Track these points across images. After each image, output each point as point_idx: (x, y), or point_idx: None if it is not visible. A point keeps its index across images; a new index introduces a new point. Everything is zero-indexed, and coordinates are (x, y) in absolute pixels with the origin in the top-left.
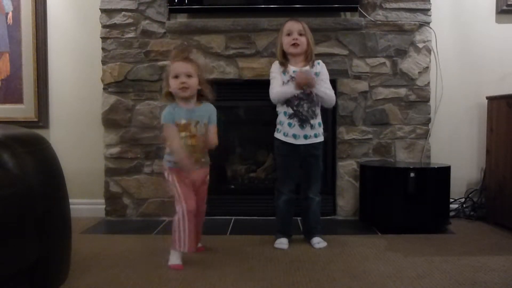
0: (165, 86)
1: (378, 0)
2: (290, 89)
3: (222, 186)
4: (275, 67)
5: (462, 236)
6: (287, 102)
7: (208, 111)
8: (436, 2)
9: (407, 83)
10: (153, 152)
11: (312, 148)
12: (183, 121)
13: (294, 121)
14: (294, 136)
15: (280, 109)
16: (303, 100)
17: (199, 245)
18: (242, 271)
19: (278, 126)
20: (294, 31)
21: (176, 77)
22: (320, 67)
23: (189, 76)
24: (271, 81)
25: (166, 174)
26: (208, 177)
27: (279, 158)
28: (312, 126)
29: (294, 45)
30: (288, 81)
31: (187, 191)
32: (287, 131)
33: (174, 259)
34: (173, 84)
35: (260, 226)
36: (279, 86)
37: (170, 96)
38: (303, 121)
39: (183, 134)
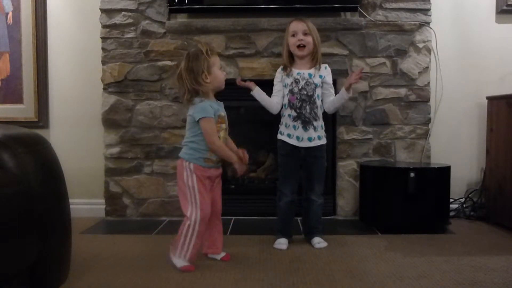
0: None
1: (378, 0)
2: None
3: (222, 186)
4: (277, 74)
5: (462, 236)
6: (291, 104)
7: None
8: (436, 2)
9: (407, 83)
10: (153, 152)
11: (314, 151)
12: (222, 113)
13: (298, 123)
14: (298, 138)
15: (285, 112)
16: (305, 102)
17: (223, 254)
18: (242, 271)
19: (281, 129)
20: (298, 31)
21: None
22: (327, 72)
23: None
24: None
25: (185, 173)
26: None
27: (281, 159)
28: (315, 128)
29: (300, 47)
30: (292, 82)
31: (205, 197)
32: (291, 133)
33: (181, 261)
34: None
35: (260, 226)
36: (273, 96)
37: (194, 95)
38: (306, 123)
39: (223, 125)
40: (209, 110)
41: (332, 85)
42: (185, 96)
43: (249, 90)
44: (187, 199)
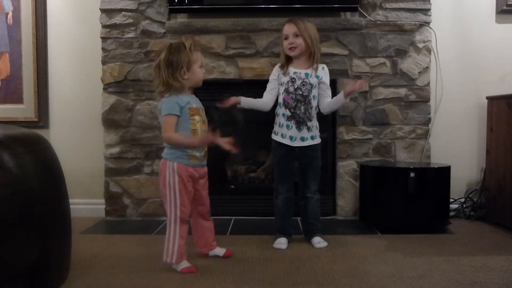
0: (166, 77)
1: (378, 0)
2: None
3: (222, 186)
4: (274, 71)
5: (462, 236)
6: (286, 103)
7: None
8: (436, 2)
9: (407, 83)
10: (153, 152)
11: (308, 150)
12: (194, 105)
13: (292, 123)
14: (291, 138)
15: (279, 111)
16: (300, 102)
17: (224, 250)
18: (242, 271)
19: (275, 128)
20: (289, 34)
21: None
22: (324, 73)
23: None
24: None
25: (168, 172)
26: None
27: (276, 159)
28: (309, 128)
29: (291, 48)
30: (288, 82)
31: (186, 196)
32: (285, 132)
33: (179, 265)
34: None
35: (260, 226)
36: (265, 92)
37: (168, 88)
38: (300, 123)
39: (197, 117)
40: (174, 107)
41: (329, 86)
42: (159, 87)
43: (237, 104)
44: (167, 199)
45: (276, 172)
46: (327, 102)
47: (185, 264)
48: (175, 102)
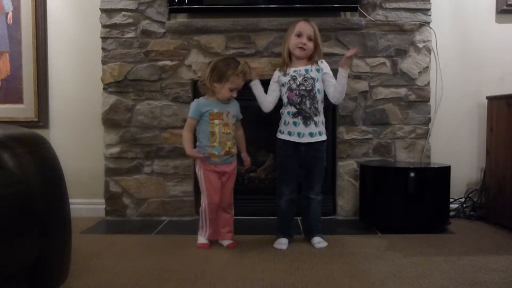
0: (211, 83)
1: (378, 0)
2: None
3: None
4: (274, 75)
5: (462, 236)
6: (290, 101)
7: (237, 106)
8: (436, 2)
9: (407, 83)
10: (153, 152)
11: (314, 150)
12: (215, 110)
13: (299, 119)
14: (299, 134)
15: (284, 110)
16: (304, 97)
17: (231, 241)
18: (242, 271)
19: (281, 127)
20: (304, 34)
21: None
22: (324, 65)
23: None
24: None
25: (197, 167)
26: (235, 170)
27: (280, 158)
28: (316, 124)
29: (301, 48)
30: (289, 80)
31: (210, 187)
32: (292, 130)
33: (201, 238)
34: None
35: (260, 226)
36: (267, 95)
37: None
38: (307, 118)
39: (216, 121)
40: (194, 112)
41: (332, 76)
42: (201, 79)
43: (249, 80)
44: (201, 189)
45: (280, 172)
46: (333, 88)
47: (203, 240)
48: (197, 107)
